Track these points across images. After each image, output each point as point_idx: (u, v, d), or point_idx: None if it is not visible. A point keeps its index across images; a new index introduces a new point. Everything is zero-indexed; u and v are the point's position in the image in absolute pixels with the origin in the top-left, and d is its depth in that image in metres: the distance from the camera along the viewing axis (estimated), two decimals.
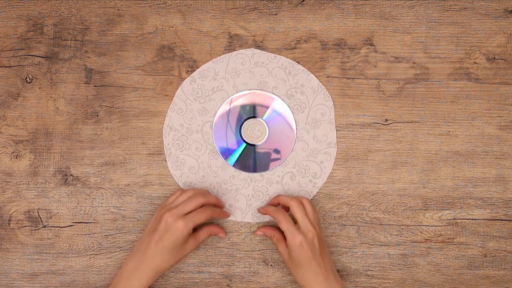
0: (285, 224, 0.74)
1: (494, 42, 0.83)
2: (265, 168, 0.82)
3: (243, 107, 0.82)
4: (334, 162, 0.82)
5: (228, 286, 0.81)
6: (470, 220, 0.81)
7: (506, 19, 0.83)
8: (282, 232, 0.77)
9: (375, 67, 0.83)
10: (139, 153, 0.82)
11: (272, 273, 0.81)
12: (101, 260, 0.81)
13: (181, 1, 0.84)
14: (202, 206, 0.76)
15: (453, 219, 0.81)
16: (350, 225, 0.81)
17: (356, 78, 0.83)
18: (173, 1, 0.84)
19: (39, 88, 0.83)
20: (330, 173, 0.82)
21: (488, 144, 0.82)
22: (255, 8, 0.84)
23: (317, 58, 0.83)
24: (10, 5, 0.84)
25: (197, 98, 0.83)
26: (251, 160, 0.82)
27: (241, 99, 0.83)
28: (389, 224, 0.81)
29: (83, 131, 0.82)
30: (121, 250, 0.81)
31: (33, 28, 0.83)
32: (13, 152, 0.82)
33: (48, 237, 0.81)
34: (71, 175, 0.82)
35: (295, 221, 0.75)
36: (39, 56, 0.83)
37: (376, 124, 0.82)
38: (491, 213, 0.81)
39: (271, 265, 0.81)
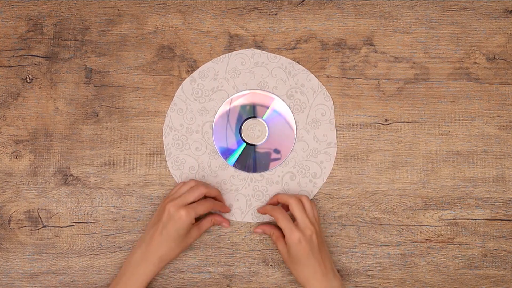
0: (283, 222, 0.74)
1: (494, 42, 0.83)
2: (265, 168, 0.82)
3: (243, 107, 0.82)
4: (334, 162, 0.82)
5: (228, 286, 0.81)
6: (470, 220, 0.81)
7: (506, 19, 0.83)
8: (281, 230, 0.77)
9: (375, 67, 0.83)
10: (139, 153, 0.82)
11: (272, 273, 0.81)
12: (101, 260, 0.81)
13: (181, 1, 0.84)
14: (204, 197, 0.77)
15: (453, 219, 0.81)
16: (350, 225, 0.81)
17: (356, 78, 0.83)
18: (173, 1, 0.84)
19: (39, 88, 0.83)
20: (330, 173, 0.82)
21: (488, 144, 0.82)
22: (255, 8, 0.84)
23: (317, 58, 0.83)
24: (10, 5, 0.84)
25: (197, 98, 0.83)
26: (251, 160, 0.82)
27: (241, 99, 0.83)
28: (389, 224, 0.81)
29: (83, 131, 0.82)
30: (121, 250, 0.81)
31: (33, 28, 0.83)
32: (13, 152, 0.82)
33: (48, 237, 0.81)
34: (71, 175, 0.82)
35: (294, 220, 0.75)
36: (39, 56, 0.83)
37: (376, 124, 0.82)
38: (491, 213, 0.81)
39: (271, 265, 0.81)
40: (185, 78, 0.83)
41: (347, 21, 0.83)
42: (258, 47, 0.83)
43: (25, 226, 0.81)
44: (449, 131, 0.82)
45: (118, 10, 0.84)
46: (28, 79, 0.83)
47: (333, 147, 0.82)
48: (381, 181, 0.82)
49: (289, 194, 0.78)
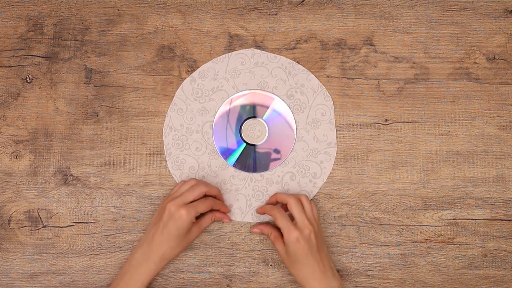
0: (282, 221, 0.74)
1: (494, 42, 0.83)
2: (265, 168, 0.82)
3: (243, 107, 0.82)
4: (334, 162, 0.82)
5: (228, 286, 0.81)
6: (470, 220, 0.81)
7: (506, 19, 0.83)
8: (279, 230, 0.77)
9: (375, 67, 0.83)
10: (139, 153, 0.82)
11: (272, 273, 0.81)
12: (101, 260, 0.81)
13: (181, 1, 0.84)
14: (204, 195, 0.77)
15: (453, 219, 0.81)
16: (350, 225, 0.81)
17: (356, 78, 0.83)
18: (173, 1, 0.84)
19: (39, 88, 0.83)
20: (330, 173, 0.82)
21: (488, 144, 0.82)
22: (255, 8, 0.84)
23: (317, 58, 0.83)
24: (10, 5, 0.84)
25: (197, 98, 0.83)
26: (251, 160, 0.82)
27: (241, 99, 0.83)
28: (389, 224, 0.81)
29: (83, 131, 0.82)
30: (121, 250, 0.81)
31: (33, 28, 0.83)
32: (13, 152, 0.82)
33: (48, 237, 0.81)
34: (71, 175, 0.82)
35: (293, 219, 0.75)
36: (39, 56, 0.83)
37: (376, 124, 0.82)
38: (491, 213, 0.81)
39: (271, 265, 0.81)
40: (185, 78, 0.83)
41: (347, 21, 0.83)
42: (258, 47, 0.83)
43: (25, 226, 0.81)
44: (449, 131, 0.82)
45: (118, 10, 0.84)
46: (28, 79, 0.83)
47: (333, 147, 0.82)
48: (381, 181, 0.82)
49: (288, 194, 0.78)
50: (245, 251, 0.81)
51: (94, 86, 0.83)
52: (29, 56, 0.83)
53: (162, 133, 0.82)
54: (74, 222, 0.81)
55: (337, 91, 0.83)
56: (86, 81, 0.83)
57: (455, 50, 0.83)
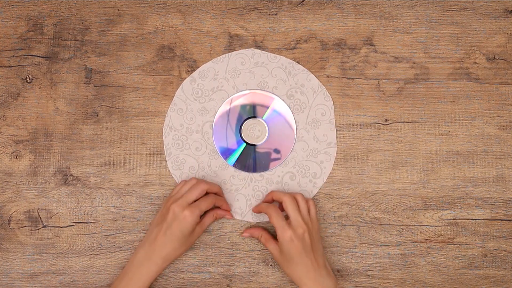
0: (276, 219, 0.74)
1: (494, 42, 0.83)
2: (265, 168, 0.82)
3: (243, 107, 0.82)
4: (334, 162, 0.82)
5: (228, 286, 0.81)
6: (470, 220, 0.81)
7: (506, 19, 0.83)
8: (269, 232, 0.78)
9: (375, 67, 0.83)
10: (139, 153, 0.82)
11: (272, 273, 0.81)
12: (101, 260, 0.81)
13: (181, 1, 0.84)
14: (206, 193, 0.77)
15: (453, 219, 0.81)
16: (350, 225, 0.81)
17: (356, 78, 0.83)
18: (173, 1, 0.84)
19: (39, 88, 0.83)
20: (330, 173, 0.82)
21: (488, 144, 0.82)
22: (255, 8, 0.84)
23: (317, 58, 0.83)
24: (10, 5, 0.84)
25: (197, 98, 0.83)
26: (251, 160, 0.82)
27: (241, 99, 0.83)
28: (389, 224, 0.81)
29: (83, 131, 0.82)
30: (121, 250, 0.81)
31: (33, 28, 0.83)
32: (13, 152, 0.82)
33: (48, 237, 0.81)
34: (71, 175, 0.82)
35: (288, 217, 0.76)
36: (39, 56, 0.83)
37: (376, 124, 0.82)
38: (491, 213, 0.81)
39: (271, 265, 0.81)
40: (185, 78, 0.83)
41: (347, 21, 0.83)
42: (258, 47, 0.83)
43: (25, 226, 0.81)
44: (449, 131, 0.82)
45: (118, 10, 0.84)
46: (28, 79, 0.83)
47: (333, 147, 0.82)
48: (381, 181, 0.82)
49: (284, 192, 0.78)
50: (245, 251, 0.81)
51: (94, 86, 0.83)
52: (29, 56, 0.83)
53: (162, 133, 0.82)
54: (74, 222, 0.81)
55: (337, 91, 0.83)
56: (86, 81, 0.83)
57: (455, 50, 0.83)
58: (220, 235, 0.81)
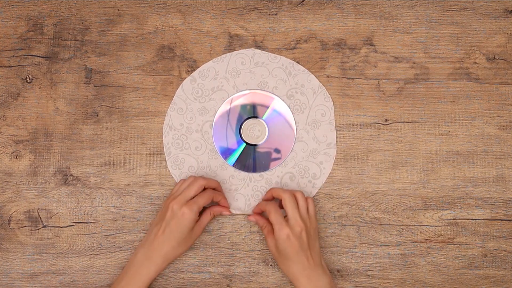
0: (275, 216, 0.75)
1: (494, 42, 0.83)
2: (265, 168, 0.82)
3: (243, 107, 0.82)
4: (334, 162, 0.82)
5: (228, 286, 0.81)
6: (470, 220, 0.81)
7: (506, 19, 0.83)
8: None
9: (375, 67, 0.83)
10: (139, 153, 0.82)
11: (272, 273, 0.81)
12: (101, 260, 0.81)
13: (181, 1, 0.84)
14: (204, 189, 0.77)
15: (453, 219, 0.81)
16: (350, 225, 0.81)
17: (356, 78, 0.83)
18: (173, 1, 0.84)
19: (39, 88, 0.83)
20: (330, 173, 0.82)
21: (488, 144, 0.82)
22: (255, 8, 0.84)
23: (317, 58, 0.83)
24: (10, 5, 0.84)
25: (197, 97, 0.83)
26: (251, 160, 0.82)
27: (241, 99, 0.83)
28: (389, 224, 0.81)
29: (83, 131, 0.82)
30: (121, 250, 0.81)
31: (33, 28, 0.83)
32: (13, 152, 0.82)
33: (48, 237, 0.81)
34: (71, 175, 0.82)
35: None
36: (39, 56, 0.83)
37: (376, 124, 0.82)
38: (491, 213, 0.81)
39: (271, 265, 0.81)
40: (185, 78, 0.83)
41: (347, 21, 0.83)
42: (258, 47, 0.83)
43: (25, 226, 0.81)
44: (449, 131, 0.82)
45: (118, 10, 0.84)
46: (28, 79, 0.83)
47: (333, 148, 0.82)
48: (381, 181, 0.82)
49: (284, 189, 0.78)
50: (245, 251, 0.81)
51: (94, 86, 0.83)
52: (29, 56, 0.83)
53: (162, 133, 0.82)
54: (74, 222, 0.81)
55: (337, 91, 0.83)
56: (86, 81, 0.83)
57: (455, 50, 0.83)
58: (220, 235, 0.81)
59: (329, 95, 0.82)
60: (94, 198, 0.81)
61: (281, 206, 0.78)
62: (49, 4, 0.84)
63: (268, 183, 0.82)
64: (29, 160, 0.82)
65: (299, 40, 0.83)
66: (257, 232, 0.81)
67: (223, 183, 0.82)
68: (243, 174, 0.82)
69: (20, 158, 0.82)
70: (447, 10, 0.83)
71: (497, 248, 0.81)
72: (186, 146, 0.82)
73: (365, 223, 0.81)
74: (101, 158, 0.82)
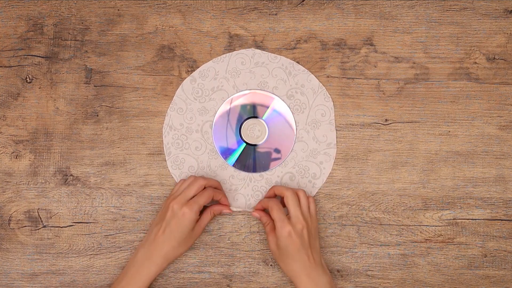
0: (277, 213, 0.75)
1: (494, 42, 0.83)
2: (265, 168, 0.82)
3: (243, 107, 0.82)
4: (334, 162, 0.82)
5: (228, 286, 0.81)
6: (470, 220, 0.81)
7: (506, 19, 0.83)
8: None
9: (375, 67, 0.83)
10: (139, 153, 0.82)
11: (272, 273, 0.81)
12: (101, 260, 0.81)
13: (181, 1, 0.84)
14: (204, 188, 0.77)
15: (453, 219, 0.81)
16: (350, 225, 0.81)
17: (356, 78, 0.83)
18: (173, 1, 0.84)
19: (39, 88, 0.83)
20: (330, 173, 0.82)
21: (488, 144, 0.82)
22: (255, 8, 0.84)
23: (317, 58, 0.83)
24: (10, 5, 0.84)
25: (197, 97, 0.83)
26: (251, 160, 0.82)
27: (241, 99, 0.83)
28: (389, 224, 0.81)
29: (83, 131, 0.82)
30: (121, 250, 0.81)
31: (33, 28, 0.83)
32: (13, 152, 0.82)
33: (48, 237, 0.81)
34: (71, 175, 0.82)
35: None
36: (39, 56, 0.83)
37: (376, 124, 0.82)
38: (491, 213, 0.81)
39: (271, 265, 0.81)
40: (185, 78, 0.83)
41: (347, 21, 0.83)
42: (258, 47, 0.83)
43: (25, 226, 0.81)
44: (449, 131, 0.82)
45: (118, 10, 0.84)
46: (28, 79, 0.83)
47: (333, 148, 0.82)
48: (381, 181, 0.82)
49: (286, 187, 0.78)
50: (245, 251, 0.81)
51: (94, 86, 0.83)
52: (29, 56, 0.83)
53: (162, 133, 0.82)
54: (74, 222, 0.81)
55: (337, 91, 0.83)
56: (86, 81, 0.83)
57: (455, 50, 0.83)
58: (220, 235, 0.81)
59: (329, 95, 0.82)
60: (94, 198, 0.81)
61: (283, 204, 0.78)
62: (49, 4, 0.84)
63: (268, 183, 0.82)
64: (29, 160, 0.82)
65: (299, 40, 0.83)
66: (257, 232, 0.81)
67: (223, 183, 0.82)
68: (243, 174, 0.82)
69: (20, 158, 0.82)
70: (447, 10, 0.83)
71: (497, 248, 0.81)
72: (186, 146, 0.82)
73: (365, 223, 0.81)
74: (101, 158, 0.82)
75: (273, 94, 0.82)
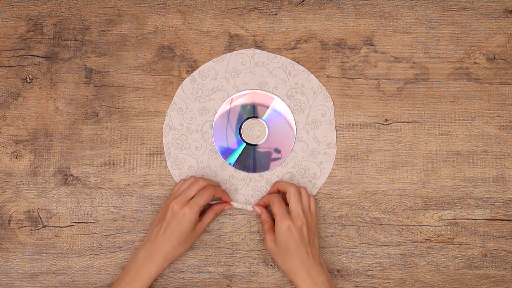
0: (278, 207, 0.75)
1: (494, 42, 0.83)
2: (265, 168, 0.82)
3: (243, 106, 0.82)
4: (334, 162, 0.82)
5: (228, 286, 0.81)
6: (470, 220, 0.81)
7: (506, 19, 0.83)
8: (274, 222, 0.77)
9: (375, 67, 0.83)
10: (139, 153, 0.82)
11: (272, 273, 0.81)
12: (101, 260, 0.81)
13: (181, 1, 0.84)
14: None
15: (453, 219, 0.81)
16: (350, 225, 0.81)
17: (356, 78, 0.83)
18: (173, 1, 0.84)
19: (39, 88, 0.83)
20: (330, 173, 0.82)
21: (488, 144, 0.82)
22: (255, 8, 0.84)
23: (317, 58, 0.83)
24: (10, 5, 0.84)
25: (197, 97, 0.83)
26: (251, 160, 0.82)
27: (241, 98, 0.83)
28: (389, 224, 0.81)
29: (83, 131, 0.82)
30: (121, 250, 0.81)
31: (33, 28, 0.83)
32: (13, 152, 0.82)
33: (48, 237, 0.81)
34: (71, 175, 0.82)
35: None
36: (39, 56, 0.83)
37: (376, 124, 0.82)
38: (491, 213, 0.81)
39: (271, 265, 0.81)
40: (185, 78, 0.83)
41: (347, 21, 0.83)
42: (258, 47, 0.83)
43: (25, 226, 0.81)
44: (449, 131, 0.82)
45: (118, 10, 0.84)
46: (28, 79, 0.83)
47: (333, 148, 0.82)
48: (381, 181, 0.82)
49: (290, 183, 0.79)
50: (245, 251, 0.81)
51: (94, 86, 0.83)
52: (29, 56, 0.83)
53: (162, 133, 0.82)
54: (74, 222, 0.81)
55: (337, 91, 0.83)
56: (86, 81, 0.83)
57: (455, 50, 0.83)
58: (220, 235, 0.81)
59: (329, 95, 0.82)
60: (94, 198, 0.81)
61: (285, 201, 0.78)
62: (49, 4, 0.84)
63: (268, 183, 0.82)
64: (29, 160, 0.82)
65: (299, 40, 0.83)
66: (257, 232, 0.81)
67: (223, 183, 0.82)
68: (243, 174, 0.82)
69: (20, 158, 0.82)
70: (447, 10, 0.83)
71: (497, 248, 0.81)
72: (186, 146, 0.82)
73: (365, 223, 0.81)
74: (101, 158, 0.82)
75: (273, 94, 0.82)
